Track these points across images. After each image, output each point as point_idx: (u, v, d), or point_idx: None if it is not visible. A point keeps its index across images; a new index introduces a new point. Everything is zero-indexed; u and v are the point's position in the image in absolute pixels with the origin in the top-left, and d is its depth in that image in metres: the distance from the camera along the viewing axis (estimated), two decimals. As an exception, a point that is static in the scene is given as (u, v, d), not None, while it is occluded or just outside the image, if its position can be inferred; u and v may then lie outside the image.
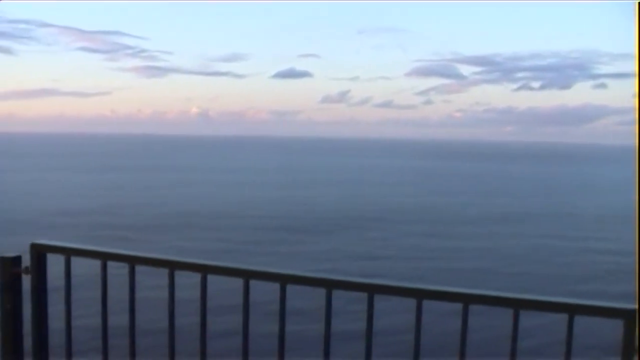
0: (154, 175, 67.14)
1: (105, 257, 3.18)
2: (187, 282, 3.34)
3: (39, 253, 3.29)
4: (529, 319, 2.80)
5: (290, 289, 2.96)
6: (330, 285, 2.85)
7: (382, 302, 2.88)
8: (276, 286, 2.93)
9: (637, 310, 2.54)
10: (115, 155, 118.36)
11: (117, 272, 3.42)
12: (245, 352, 3.05)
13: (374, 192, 53.05)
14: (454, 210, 40.97)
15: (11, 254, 3.33)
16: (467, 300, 2.69)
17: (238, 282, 2.99)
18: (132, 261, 3.14)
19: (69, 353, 3.40)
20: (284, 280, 2.92)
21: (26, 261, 3.35)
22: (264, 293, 3.46)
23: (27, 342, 3.46)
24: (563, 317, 2.62)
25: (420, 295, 2.74)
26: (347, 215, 36.89)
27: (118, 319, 3.45)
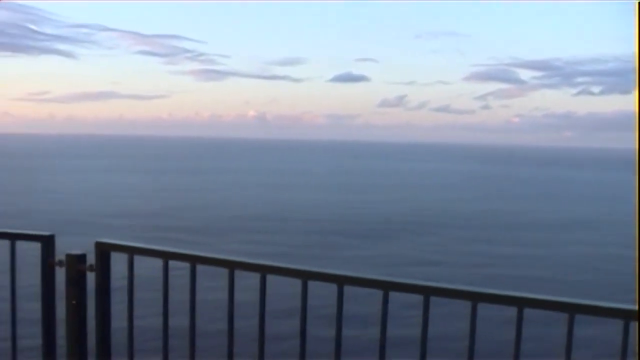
0: (210, 177, 67.76)
1: (166, 257, 3.25)
2: (247, 284, 3.39)
3: (103, 251, 3.38)
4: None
5: (348, 293, 2.98)
6: (386, 287, 2.87)
7: (437, 308, 2.89)
8: (334, 289, 2.96)
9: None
10: (173, 157, 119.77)
11: (178, 273, 3.48)
12: (303, 354, 3.08)
13: (430, 197, 52.75)
14: (511, 216, 40.50)
15: (77, 251, 3.43)
16: (521, 303, 2.69)
17: (296, 287, 3.02)
18: (193, 260, 3.20)
19: (131, 352, 3.48)
20: (341, 281, 2.95)
21: (91, 259, 3.45)
22: (322, 297, 3.49)
23: (90, 339, 3.55)
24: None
25: (475, 298, 2.75)
26: (403, 220, 36.75)
27: (178, 319, 3.51)
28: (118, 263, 3.49)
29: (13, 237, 3.51)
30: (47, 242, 3.47)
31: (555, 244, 29.69)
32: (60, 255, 3.48)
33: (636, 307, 2.55)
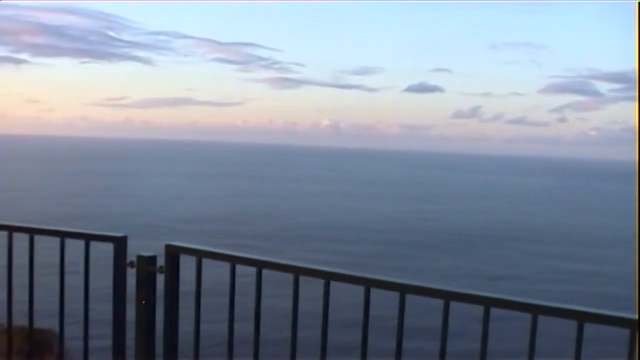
0: (282, 185, 68.25)
1: (233, 260, 3.30)
2: (315, 294, 3.40)
3: (173, 254, 3.46)
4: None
5: (413, 303, 2.97)
6: (448, 296, 2.86)
7: (503, 323, 2.85)
8: (399, 300, 2.96)
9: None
10: (246, 164, 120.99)
11: (245, 280, 3.51)
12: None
13: (504, 209, 52.05)
14: (589, 231, 39.67)
15: (147, 253, 3.52)
16: (580, 317, 2.67)
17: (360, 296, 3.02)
18: (259, 265, 3.24)
19: (197, 351, 3.54)
20: (403, 289, 2.94)
21: (161, 262, 3.53)
22: (388, 307, 3.47)
23: (158, 338, 3.63)
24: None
25: (535, 310, 2.72)
26: (476, 232, 36.35)
27: (244, 326, 3.54)
28: (186, 268, 3.55)
29: (87, 238, 3.62)
30: (120, 243, 3.56)
31: (634, 261, 28.94)
32: (131, 256, 3.57)
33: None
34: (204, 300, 3.47)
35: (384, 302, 3.04)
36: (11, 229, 3.70)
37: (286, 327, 3.24)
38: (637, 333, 2.60)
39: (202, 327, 3.51)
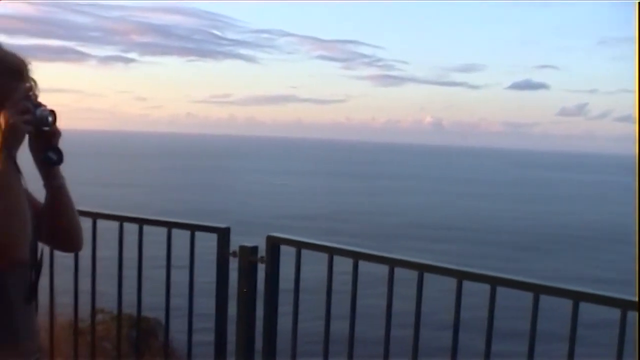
0: (384, 183, 68.16)
1: (331, 252, 3.43)
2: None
3: (273, 244, 3.62)
4: None
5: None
6: (538, 290, 2.90)
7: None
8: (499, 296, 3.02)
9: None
10: (349, 161, 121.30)
11: (345, 279, 3.59)
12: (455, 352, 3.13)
13: (608, 210, 50.57)
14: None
15: (249, 244, 3.70)
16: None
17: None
18: (356, 257, 3.37)
19: (294, 340, 3.68)
20: (494, 282, 3.00)
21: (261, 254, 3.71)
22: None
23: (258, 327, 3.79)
24: None
25: (625, 305, 2.75)
26: (578, 234, 35.49)
27: (341, 324, 3.63)
28: (287, 266, 3.70)
29: (193, 228, 3.81)
30: (223, 234, 3.75)
31: None
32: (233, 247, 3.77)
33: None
34: (302, 297, 3.60)
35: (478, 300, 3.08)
36: (122, 219, 3.93)
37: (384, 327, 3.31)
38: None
39: (301, 324, 3.63)
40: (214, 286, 3.80)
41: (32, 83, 2.21)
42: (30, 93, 2.16)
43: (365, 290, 3.54)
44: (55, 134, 2.25)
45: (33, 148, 2.22)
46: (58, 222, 2.33)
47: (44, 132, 2.20)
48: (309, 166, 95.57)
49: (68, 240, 2.43)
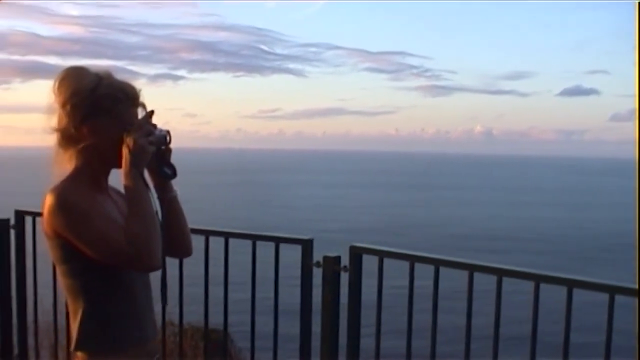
0: (436, 194, 67.75)
1: (413, 259, 3.59)
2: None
3: (356, 253, 3.79)
4: None
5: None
6: (612, 290, 2.96)
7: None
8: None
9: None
10: (399, 173, 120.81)
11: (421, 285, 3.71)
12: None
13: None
14: None
15: (333, 254, 3.87)
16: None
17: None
18: (437, 263, 3.52)
19: (378, 351, 3.83)
20: (571, 284, 3.09)
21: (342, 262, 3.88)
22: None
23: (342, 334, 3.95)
24: None
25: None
26: (633, 243, 34.77)
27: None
28: (369, 278, 3.86)
29: (277, 240, 4.00)
30: (307, 245, 3.93)
31: None
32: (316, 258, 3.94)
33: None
34: (387, 302, 3.75)
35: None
36: (207, 233, 4.13)
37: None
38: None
39: (383, 327, 3.78)
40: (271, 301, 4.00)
41: (146, 108, 2.45)
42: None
43: (443, 302, 3.64)
44: (169, 151, 2.48)
45: (150, 165, 2.43)
46: (173, 230, 2.55)
47: (160, 150, 2.42)
48: (361, 179, 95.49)
49: (181, 246, 2.65)
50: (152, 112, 2.39)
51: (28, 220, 4.91)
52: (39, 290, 5.04)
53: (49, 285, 4.56)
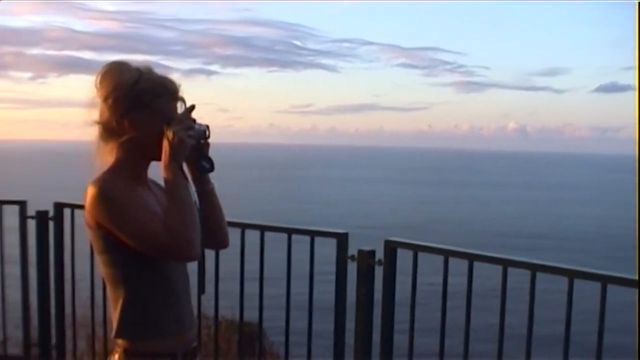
0: (469, 191, 67.28)
1: (447, 254, 3.61)
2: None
3: (391, 248, 3.81)
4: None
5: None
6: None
7: None
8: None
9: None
10: (432, 170, 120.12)
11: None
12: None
13: None
14: None
15: (367, 248, 3.90)
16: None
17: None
18: (471, 258, 3.53)
19: (412, 340, 3.85)
20: (605, 280, 3.10)
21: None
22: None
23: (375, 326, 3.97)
24: None
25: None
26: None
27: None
28: (402, 275, 3.88)
29: (312, 234, 4.03)
30: (342, 239, 3.96)
31: None
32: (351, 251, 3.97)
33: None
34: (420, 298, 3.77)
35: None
36: (243, 226, 4.17)
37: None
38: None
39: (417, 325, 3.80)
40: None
41: (185, 102, 2.49)
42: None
43: (477, 300, 3.64)
44: (207, 145, 2.52)
45: (188, 158, 2.47)
46: (210, 221, 2.60)
47: (199, 144, 2.46)
48: (394, 175, 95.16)
49: (218, 238, 2.70)
50: (192, 106, 2.44)
51: (66, 212, 4.99)
52: (77, 282, 5.13)
53: (86, 277, 4.63)
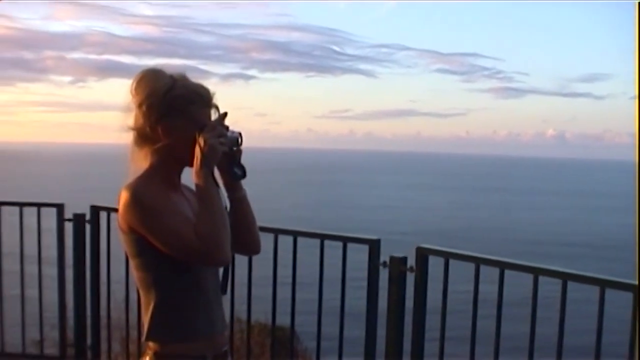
0: (506, 197, 66.77)
1: (478, 261, 3.60)
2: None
3: (422, 255, 3.82)
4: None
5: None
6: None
7: None
8: None
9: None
10: (470, 176, 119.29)
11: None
12: None
13: None
14: None
15: (399, 254, 3.91)
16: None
17: None
18: (502, 266, 3.52)
19: (442, 346, 3.85)
20: (636, 290, 3.07)
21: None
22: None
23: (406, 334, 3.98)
24: None
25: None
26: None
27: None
28: (434, 282, 3.88)
29: (344, 240, 4.06)
30: (374, 245, 3.98)
31: None
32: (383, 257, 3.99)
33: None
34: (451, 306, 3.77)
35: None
36: (277, 231, 4.20)
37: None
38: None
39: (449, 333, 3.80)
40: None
41: (219, 109, 2.52)
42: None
43: (508, 309, 3.63)
44: (240, 152, 2.55)
45: (220, 165, 2.51)
46: (241, 227, 2.63)
47: (231, 151, 2.50)
48: (431, 180, 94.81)
49: (249, 244, 2.73)
50: (225, 114, 2.47)
51: (103, 215, 5.06)
52: (112, 284, 5.20)
53: (122, 279, 4.70)
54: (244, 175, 2.59)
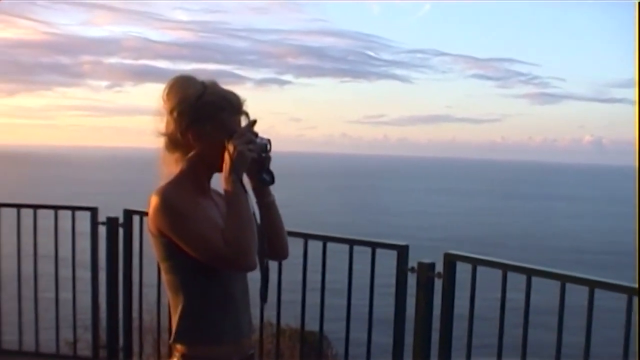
0: (541, 204, 66.17)
1: (505, 268, 3.61)
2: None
3: (450, 261, 3.84)
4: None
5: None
6: None
7: None
8: None
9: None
10: (506, 182, 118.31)
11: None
12: None
13: None
14: None
15: (427, 260, 3.93)
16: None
17: None
18: (530, 273, 3.52)
19: (469, 351, 3.85)
20: None
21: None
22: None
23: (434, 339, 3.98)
24: None
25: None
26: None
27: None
28: (461, 290, 3.90)
29: (373, 245, 4.08)
30: (402, 251, 4.00)
31: None
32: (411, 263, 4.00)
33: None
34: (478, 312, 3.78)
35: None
36: (306, 236, 4.24)
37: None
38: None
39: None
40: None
41: (249, 116, 2.56)
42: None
43: (534, 317, 3.62)
44: (268, 158, 2.58)
45: (249, 171, 2.55)
46: (270, 233, 2.67)
47: (260, 157, 2.53)
48: (466, 186, 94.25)
49: (277, 249, 2.76)
50: (254, 121, 2.51)
51: (136, 219, 5.12)
52: (144, 287, 5.26)
53: (154, 282, 4.76)
54: (272, 181, 2.63)
